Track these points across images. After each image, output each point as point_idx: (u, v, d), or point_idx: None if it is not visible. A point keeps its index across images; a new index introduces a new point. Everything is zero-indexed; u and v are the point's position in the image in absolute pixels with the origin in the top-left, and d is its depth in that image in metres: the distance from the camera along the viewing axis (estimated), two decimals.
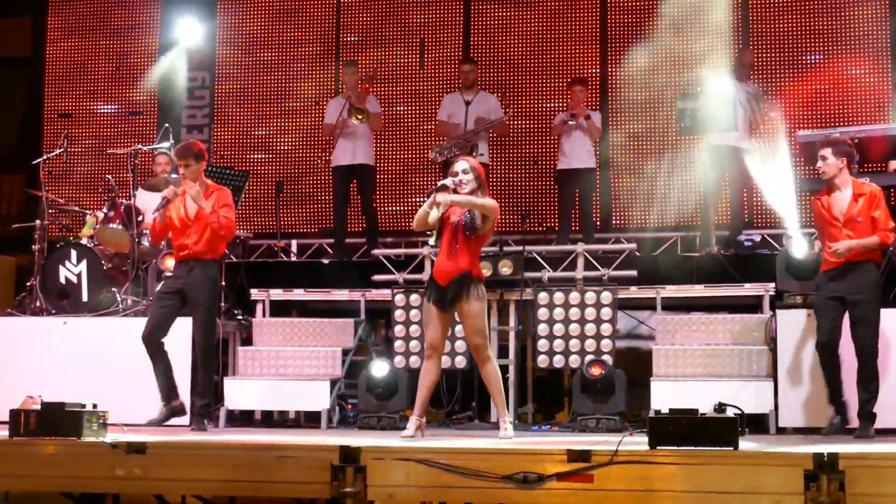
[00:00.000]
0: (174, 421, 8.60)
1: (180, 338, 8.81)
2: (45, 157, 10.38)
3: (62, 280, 9.92)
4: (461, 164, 7.62)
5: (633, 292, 9.66)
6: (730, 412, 6.05)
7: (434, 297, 7.53)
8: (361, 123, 11.40)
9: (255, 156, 13.12)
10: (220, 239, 8.47)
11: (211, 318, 8.49)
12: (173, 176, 9.14)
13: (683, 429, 5.97)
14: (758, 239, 11.35)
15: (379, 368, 9.17)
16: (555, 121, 11.57)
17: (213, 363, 8.69)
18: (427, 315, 7.69)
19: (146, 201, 10.50)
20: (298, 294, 10.36)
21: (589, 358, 9.08)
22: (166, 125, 10.60)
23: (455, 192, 7.49)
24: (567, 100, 11.56)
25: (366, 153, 11.62)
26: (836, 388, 7.94)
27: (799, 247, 8.54)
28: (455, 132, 11.42)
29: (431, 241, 7.83)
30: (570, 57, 12.63)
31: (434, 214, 7.50)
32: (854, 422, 7.85)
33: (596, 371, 8.86)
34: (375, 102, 11.74)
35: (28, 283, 10.05)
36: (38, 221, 10.10)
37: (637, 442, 6.13)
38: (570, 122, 11.17)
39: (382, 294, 9.95)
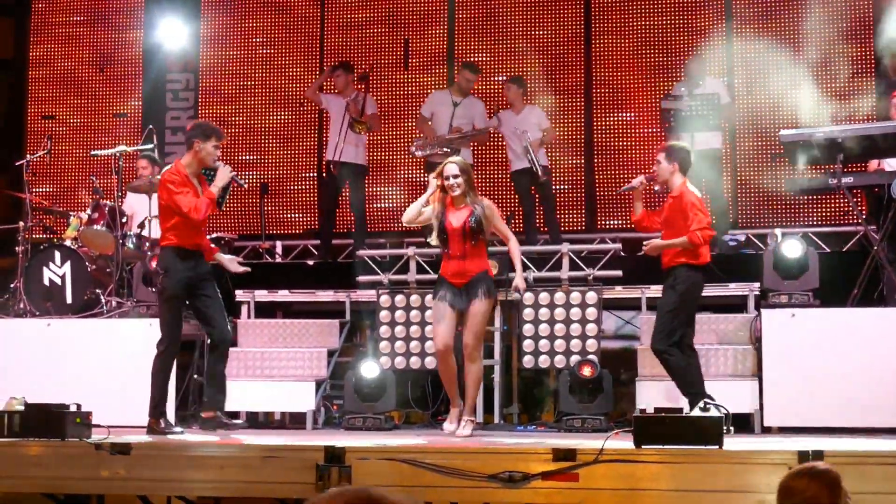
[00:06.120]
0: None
1: None
2: (28, 159, 10.33)
3: (46, 282, 9.87)
4: (451, 169, 7.79)
5: (619, 292, 9.67)
6: (714, 412, 6.07)
7: (449, 297, 7.78)
8: (362, 134, 11.34)
9: (240, 157, 13.07)
10: None
11: None
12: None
13: (668, 428, 6.00)
14: (742, 238, 11.35)
15: (369, 369, 9.13)
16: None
17: None
18: (440, 315, 7.85)
19: (132, 204, 10.49)
20: (283, 295, 10.35)
21: (575, 358, 9.06)
22: (150, 127, 10.57)
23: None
24: (541, 103, 11.50)
25: (359, 153, 11.48)
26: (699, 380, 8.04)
27: (791, 247, 8.97)
28: (432, 134, 11.35)
29: (431, 240, 7.97)
30: (554, 56, 12.61)
31: (427, 211, 7.86)
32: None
33: (587, 371, 8.82)
34: (373, 102, 11.59)
35: (12, 285, 10.01)
36: (21, 223, 10.06)
37: (622, 441, 6.14)
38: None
39: (368, 295, 9.93)
